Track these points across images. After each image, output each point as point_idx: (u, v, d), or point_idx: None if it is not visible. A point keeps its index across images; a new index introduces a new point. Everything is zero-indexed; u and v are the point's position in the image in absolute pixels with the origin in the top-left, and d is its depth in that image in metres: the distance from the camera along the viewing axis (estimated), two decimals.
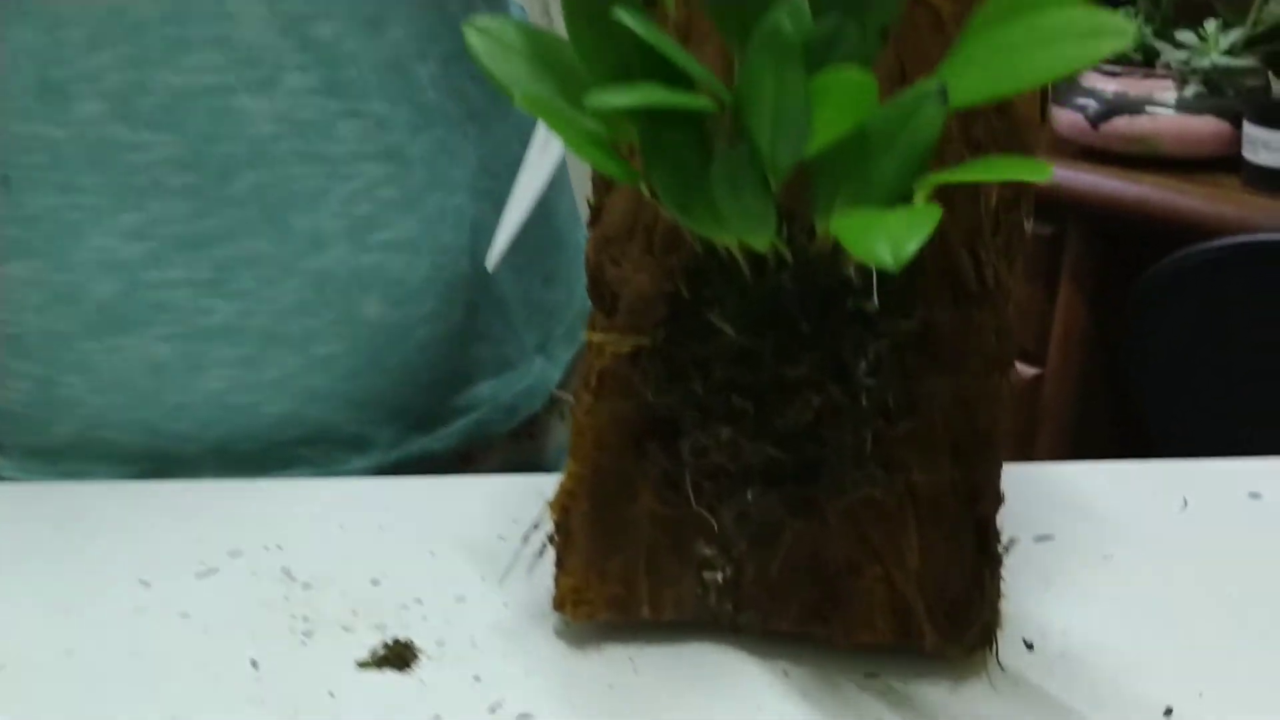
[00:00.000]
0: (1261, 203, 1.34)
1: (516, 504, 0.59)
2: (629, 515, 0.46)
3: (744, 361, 0.43)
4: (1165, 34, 1.48)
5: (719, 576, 0.46)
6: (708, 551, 0.46)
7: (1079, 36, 0.35)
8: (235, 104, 0.61)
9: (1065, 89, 1.53)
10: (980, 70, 0.37)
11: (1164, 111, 1.44)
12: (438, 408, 0.71)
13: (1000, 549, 0.48)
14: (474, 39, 0.40)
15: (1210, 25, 1.44)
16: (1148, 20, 1.49)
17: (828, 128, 0.37)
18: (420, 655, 0.48)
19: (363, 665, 0.48)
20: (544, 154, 0.60)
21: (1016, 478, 0.58)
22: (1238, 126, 1.40)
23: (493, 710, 0.45)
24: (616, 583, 0.46)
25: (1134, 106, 1.45)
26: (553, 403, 0.79)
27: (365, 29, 0.63)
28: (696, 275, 0.43)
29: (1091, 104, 1.48)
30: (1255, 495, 0.64)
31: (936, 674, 0.47)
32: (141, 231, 0.61)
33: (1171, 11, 1.51)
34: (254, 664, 0.48)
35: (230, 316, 0.63)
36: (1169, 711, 0.46)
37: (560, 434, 0.80)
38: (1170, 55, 1.44)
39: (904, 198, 0.39)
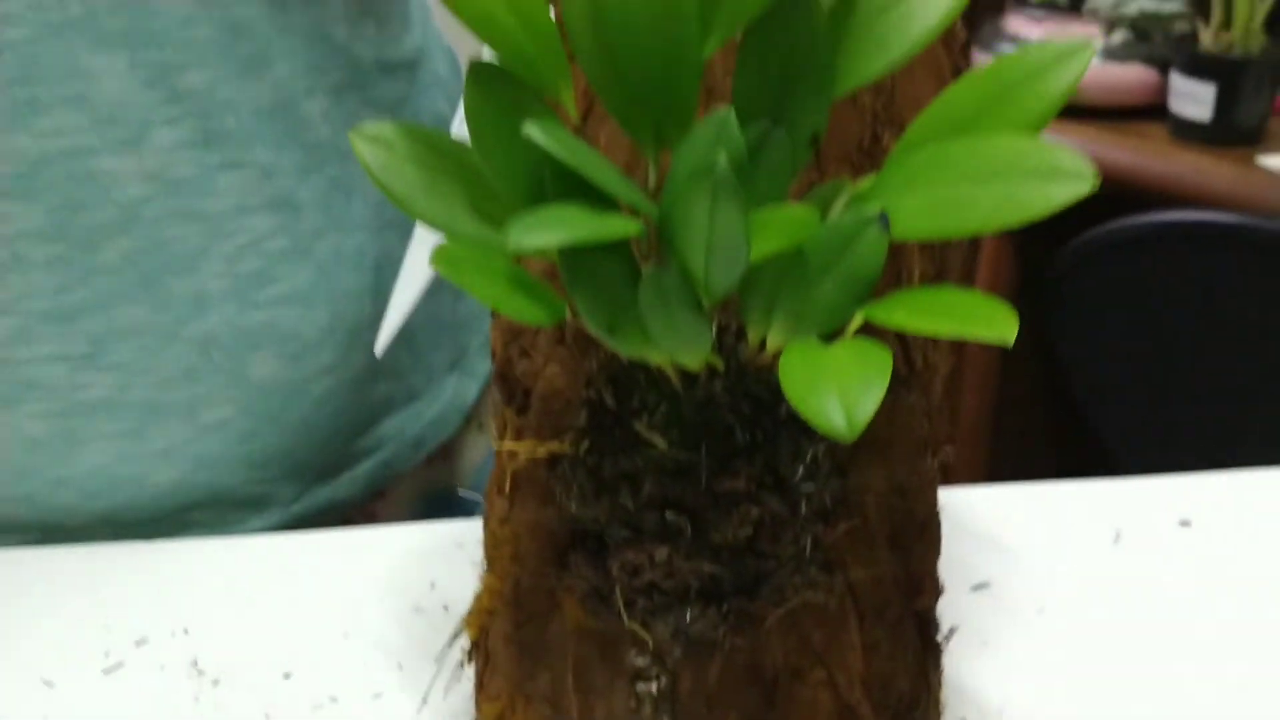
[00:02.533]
0: (1189, 157, 1.34)
1: (433, 561, 0.57)
2: (553, 631, 0.44)
3: (677, 475, 0.41)
4: None
5: (653, 688, 0.45)
6: (640, 662, 0.44)
7: (1032, 177, 0.33)
8: (99, 166, 0.57)
9: (990, 34, 1.51)
10: (923, 199, 0.35)
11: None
12: (341, 455, 0.68)
13: (941, 647, 0.47)
14: (364, 149, 0.37)
15: None
16: None
17: (763, 249, 0.35)
18: None
19: None
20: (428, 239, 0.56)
21: (949, 509, 0.57)
22: (1165, 75, 1.40)
23: None
24: (543, 703, 0.45)
25: None
26: (468, 421, 0.77)
27: (243, 73, 0.59)
28: (620, 382, 0.41)
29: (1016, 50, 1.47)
30: (1185, 523, 0.64)
31: None
32: (5, 308, 0.58)
33: None
34: None
35: (109, 390, 0.60)
36: None
37: (479, 449, 0.78)
38: (1097, 0, 1.42)
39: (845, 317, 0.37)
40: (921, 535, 0.46)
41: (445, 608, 0.53)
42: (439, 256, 0.34)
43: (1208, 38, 1.34)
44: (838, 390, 0.32)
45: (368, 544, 0.61)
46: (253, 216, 0.61)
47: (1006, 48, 1.48)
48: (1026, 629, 0.55)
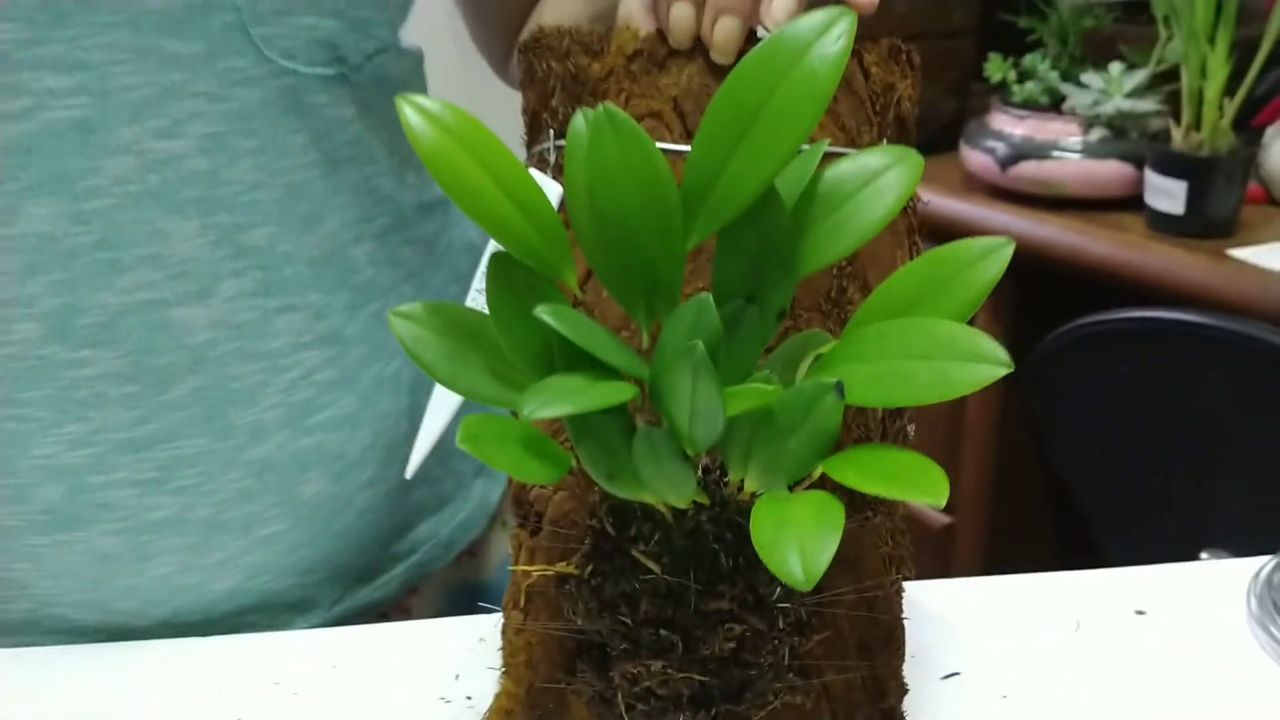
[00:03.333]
0: (1163, 249, 1.40)
1: (457, 655, 0.63)
2: None
3: (669, 597, 0.46)
4: (1072, 75, 1.53)
5: None
6: None
7: (961, 359, 0.39)
8: (172, 316, 0.63)
9: (976, 130, 1.58)
10: (871, 371, 0.41)
11: (1070, 156, 1.50)
12: (378, 560, 0.74)
13: None
14: (397, 325, 0.43)
15: (1115, 68, 1.49)
16: (1055, 63, 1.55)
17: (736, 409, 0.41)
18: None
19: None
20: None
21: (925, 598, 0.63)
22: (1142, 169, 1.46)
23: None
24: None
25: (1041, 151, 1.51)
26: (493, 520, 0.82)
27: (300, 228, 0.66)
28: (619, 514, 0.47)
29: (1000, 147, 1.53)
30: (1140, 612, 0.69)
31: None
32: (85, 440, 0.64)
33: (1079, 52, 1.57)
34: None
35: (174, 510, 0.66)
36: None
37: (503, 545, 0.84)
38: (1076, 99, 1.49)
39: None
40: (887, 643, 0.52)
41: (468, 698, 0.58)
42: (464, 434, 0.39)
43: (1179, 137, 1.40)
44: (797, 544, 0.38)
45: (399, 639, 0.67)
46: (305, 352, 0.67)
47: (992, 144, 1.54)
48: (993, 715, 0.61)
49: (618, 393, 0.41)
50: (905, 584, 0.55)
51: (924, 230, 1.64)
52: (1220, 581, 0.70)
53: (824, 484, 0.43)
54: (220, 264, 0.63)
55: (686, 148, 0.52)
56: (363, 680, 0.62)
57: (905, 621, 0.53)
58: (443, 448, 0.75)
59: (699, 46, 0.57)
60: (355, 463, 0.69)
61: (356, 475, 0.70)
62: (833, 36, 0.42)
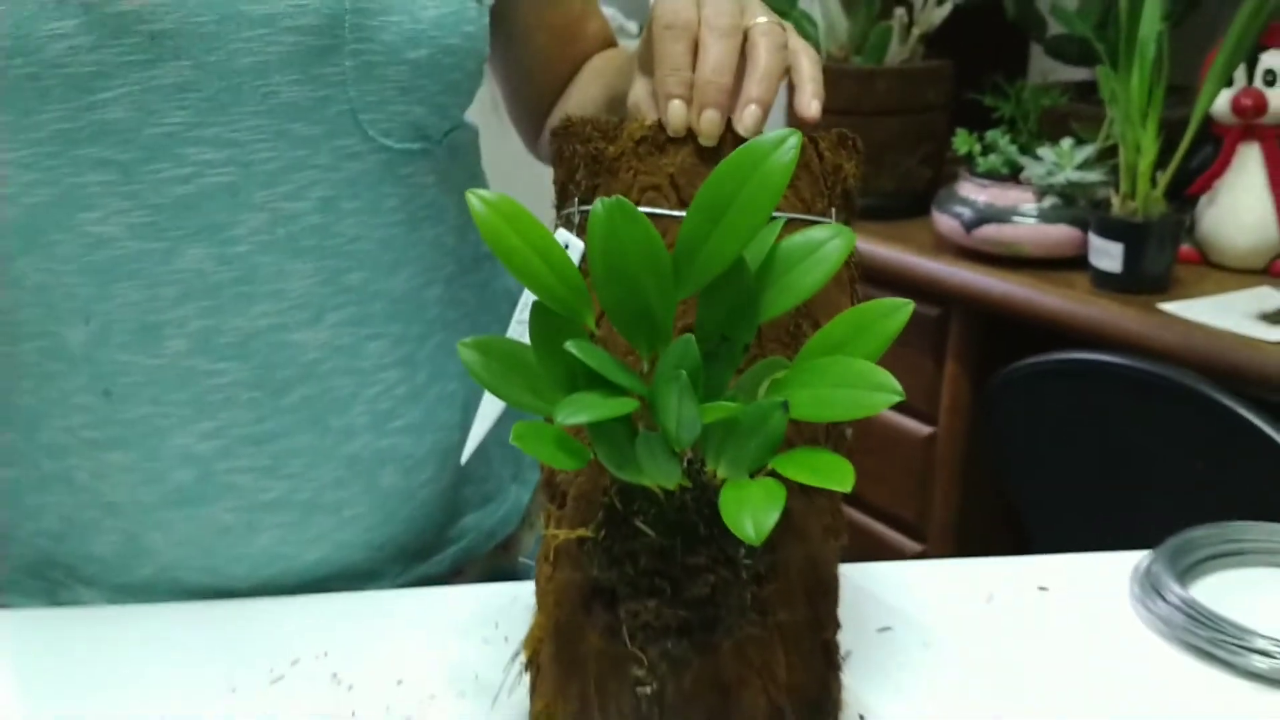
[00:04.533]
0: (1103, 302, 1.53)
1: (498, 610, 0.77)
2: (581, 653, 0.64)
3: (661, 555, 0.61)
4: (1029, 149, 1.68)
5: (648, 691, 0.64)
6: (639, 674, 0.64)
7: (869, 389, 0.53)
8: (289, 339, 0.78)
9: (945, 197, 1.72)
10: (808, 395, 0.55)
11: (1026, 220, 1.63)
12: (434, 542, 0.89)
13: (840, 661, 0.67)
14: (465, 354, 0.58)
15: (1066, 144, 1.64)
16: (1015, 138, 1.69)
17: (710, 418, 0.56)
18: None
19: None
20: None
21: (869, 577, 0.76)
22: (1087, 231, 1.60)
23: None
24: (575, 700, 0.64)
25: (1001, 215, 1.65)
26: (523, 520, 0.97)
27: (387, 273, 0.81)
28: (624, 492, 0.61)
29: (966, 212, 1.67)
30: (1043, 589, 0.83)
31: None
32: (214, 433, 0.79)
33: (1036, 128, 1.71)
34: None
35: (281, 493, 0.80)
36: None
37: (528, 544, 0.98)
38: (1032, 170, 1.63)
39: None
40: (827, 592, 0.66)
41: (505, 638, 0.72)
42: (516, 434, 0.54)
43: (1117, 204, 1.54)
44: (751, 514, 0.52)
45: (453, 598, 0.81)
46: (386, 371, 0.82)
47: (959, 209, 1.68)
48: (915, 656, 0.74)
49: (624, 406, 0.55)
50: (856, 565, 0.69)
51: (899, 284, 1.83)
52: (1110, 567, 0.83)
53: (774, 474, 0.58)
54: (327, 299, 0.79)
55: (680, 213, 0.66)
56: (422, 629, 0.77)
57: (840, 577, 0.67)
58: (488, 456, 0.90)
59: (690, 135, 0.70)
60: (420, 462, 0.84)
61: (420, 473, 0.84)
62: (785, 148, 0.57)
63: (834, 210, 0.71)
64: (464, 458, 0.75)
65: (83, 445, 0.80)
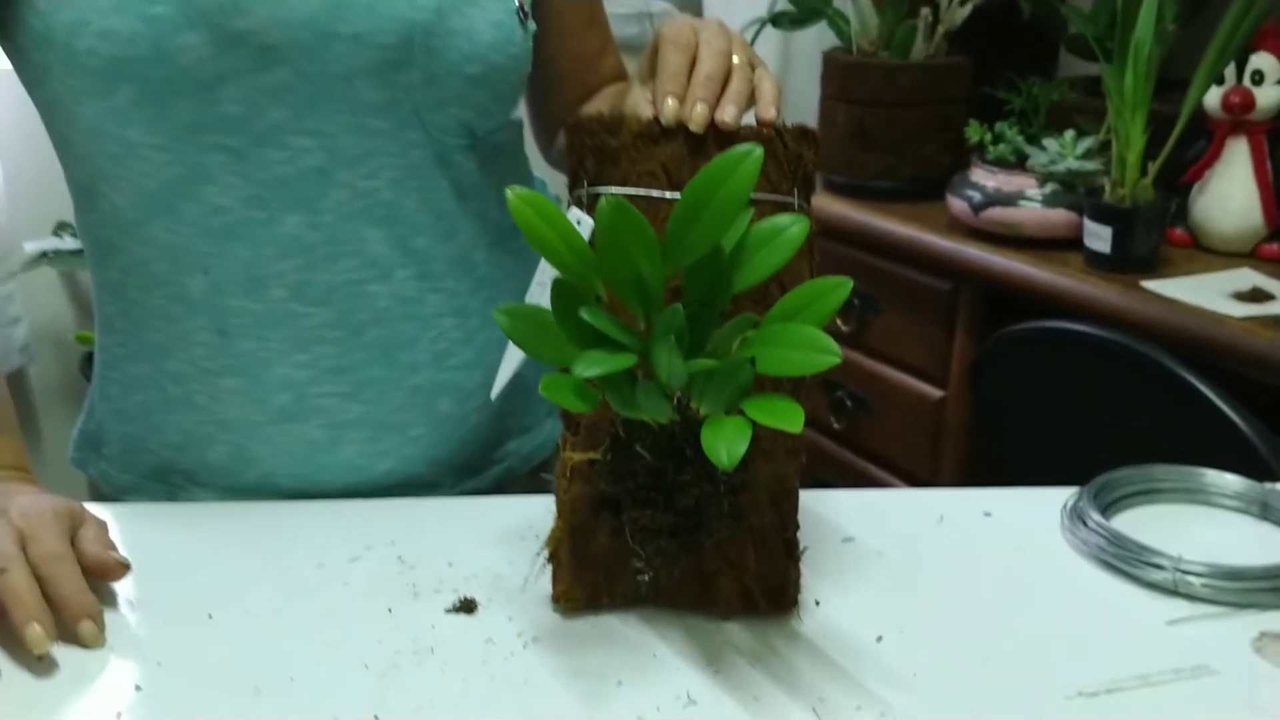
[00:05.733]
0: (1094, 279, 1.64)
1: (531, 517, 0.91)
2: (593, 550, 0.79)
3: (656, 473, 0.75)
4: (1036, 139, 1.78)
5: (645, 578, 0.79)
6: (639, 565, 0.78)
7: (816, 350, 0.67)
8: (365, 289, 0.93)
9: (958, 182, 1.83)
10: (770, 353, 0.68)
11: (1029, 204, 1.74)
12: (482, 461, 1.04)
13: (799, 555, 0.80)
14: (499, 317, 0.71)
15: (1068, 135, 1.74)
16: (1023, 129, 1.80)
17: (695, 369, 0.69)
18: (479, 607, 0.81)
19: (448, 611, 0.81)
20: None
21: (840, 500, 0.89)
22: (1083, 216, 1.71)
23: (519, 635, 0.78)
24: (588, 586, 0.79)
25: (1007, 199, 1.75)
26: (557, 448, 1.11)
27: (443, 238, 0.96)
28: (626, 425, 0.75)
29: (975, 195, 1.78)
30: (988, 514, 0.96)
31: (768, 624, 0.79)
32: (307, 365, 0.94)
33: (1044, 120, 1.82)
34: (389, 611, 0.81)
35: (360, 414, 0.96)
36: (880, 638, 0.78)
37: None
38: (1036, 159, 1.74)
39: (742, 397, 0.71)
40: (789, 499, 0.79)
41: (536, 536, 0.86)
42: (544, 386, 0.68)
43: (1108, 191, 1.65)
44: (724, 444, 0.66)
45: (496, 505, 0.96)
46: (444, 319, 0.97)
47: (969, 192, 1.79)
48: (870, 561, 0.87)
49: (627, 360, 0.69)
50: (830, 490, 0.82)
51: (916, 260, 1.98)
52: (1048, 498, 0.96)
53: (743, 413, 0.71)
54: (395, 259, 0.94)
55: (671, 195, 0.80)
56: (470, 528, 0.91)
57: (809, 494, 0.80)
58: (528, 391, 1.04)
59: (679, 130, 0.82)
60: (471, 394, 0.99)
61: (472, 402, 1.00)
62: (751, 159, 0.70)
63: (796, 190, 0.82)
64: (494, 394, 0.90)
65: (201, 373, 0.95)
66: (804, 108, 2.16)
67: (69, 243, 2.09)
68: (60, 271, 2.28)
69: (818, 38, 2.14)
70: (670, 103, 0.82)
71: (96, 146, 0.90)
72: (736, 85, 0.83)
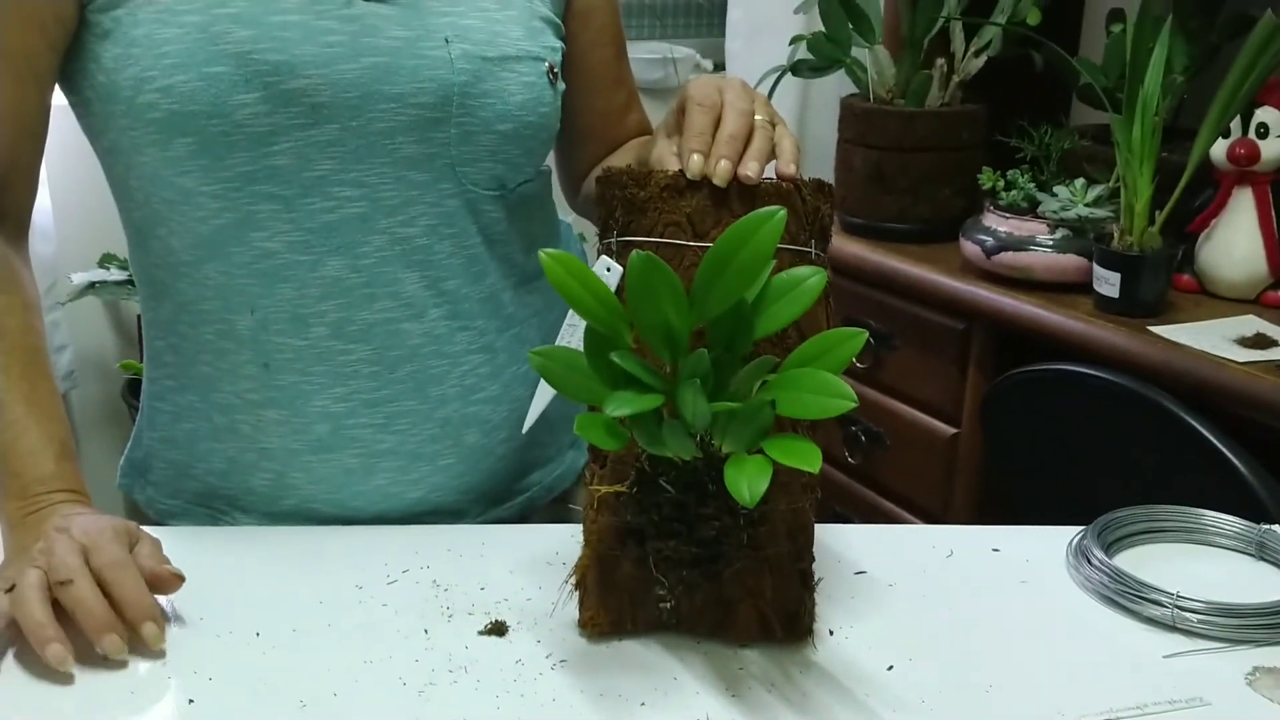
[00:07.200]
0: (1102, 323, 1.67)
1: (557, 544, 0.95)
2: (618, 578, 0.82)
3: (679, 506, 0.79)
4: (1048, 186, 1.81)
5: (668, 605, 0.82)
6: (661, 593, 0.82)
7: (832, 395, 0.70)
8: (401, 328, 0.98)
9: (971, 225, 1.86)
10: (789, 397, 0.72)
11: (1040, 249, 1.77)
12: (507, 490, 1.08)
13: (814, 585, 0.83)
14: (534, 358, 0.75)
15: (1079, 183, 1.77)
16: (1035, 175, 1.83)
17: (718, 410, 0.73)
18: (510, 630, 0.84)
19: (481, 633, 0.84)
20: None
21: (855, 535, 0.92)
22: (1092, 261, 1.73)
23: (548, 657, 0.81)
24: (612, 612, 0.83)
25: (1019, 244, 1.78)
26: (579, 479, 1.15)
27: (473, 280, 1.00)
28: (651, 460, 0.79)
29: (988, 239, 1.81)
30: (996, 550, 0.99)
31: (784, 652, 0.83)
32: (344, 398, 0.98)
33: (1056, 168, 1.85)
34: (425, 632, 0.84)
35: (392, 445, 1.00)
36: (890, 667, 0.81)
37: (579, 500, 1.16)
38: (1048, 206, 1.77)
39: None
40: (804, 532, 0.82)
41: (563, 563, 0.90)
42: (579, 424, 0.72)
43: (1117, 238, 1.68)
44: (746, 483, 0.70)
45: (524, 533, 1.00)
46: (473, 355, 1.01)
47: (982, 236, 1.82)
48: (882, 593, 0.90)
49: (654, 401, 0.73)
50: (845, 525, 0.85)
51: (930, 299, 2.01)
52: (1052, 538, 0.99)
53: (763, 451, 0.75)
54: (429, 300, 0.98)
55: (695, 244, 0.83)
56: (500, 555, 0.95)
57: (824, 529, 0.83)
58: (552, 423, 1.08)
59: (702, 183, 0.85)
60: (498, 426, 1.03)
61: (498, 434, 1.04)
62: (774, 220, 0.74)
63: (814, 241, 0.86)
64: (525, 428, 0.94)
65: (246, 405, 1.00)
66: (822, 150, 2.20)
67: (115, 274, 2.15)
68: (104, 301, 2.33)
69: (836, 82, 2.19)
70: (696, 158, 0.86)
71: (154, 192, 0.95)
72: (758, 143, 0.87)
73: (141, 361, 2.14)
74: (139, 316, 2.24)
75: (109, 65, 0.91)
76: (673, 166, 0.88)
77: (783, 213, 0.74)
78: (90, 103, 0.95)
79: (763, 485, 0.70)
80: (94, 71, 0.93)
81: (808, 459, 0.71)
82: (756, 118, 0.88)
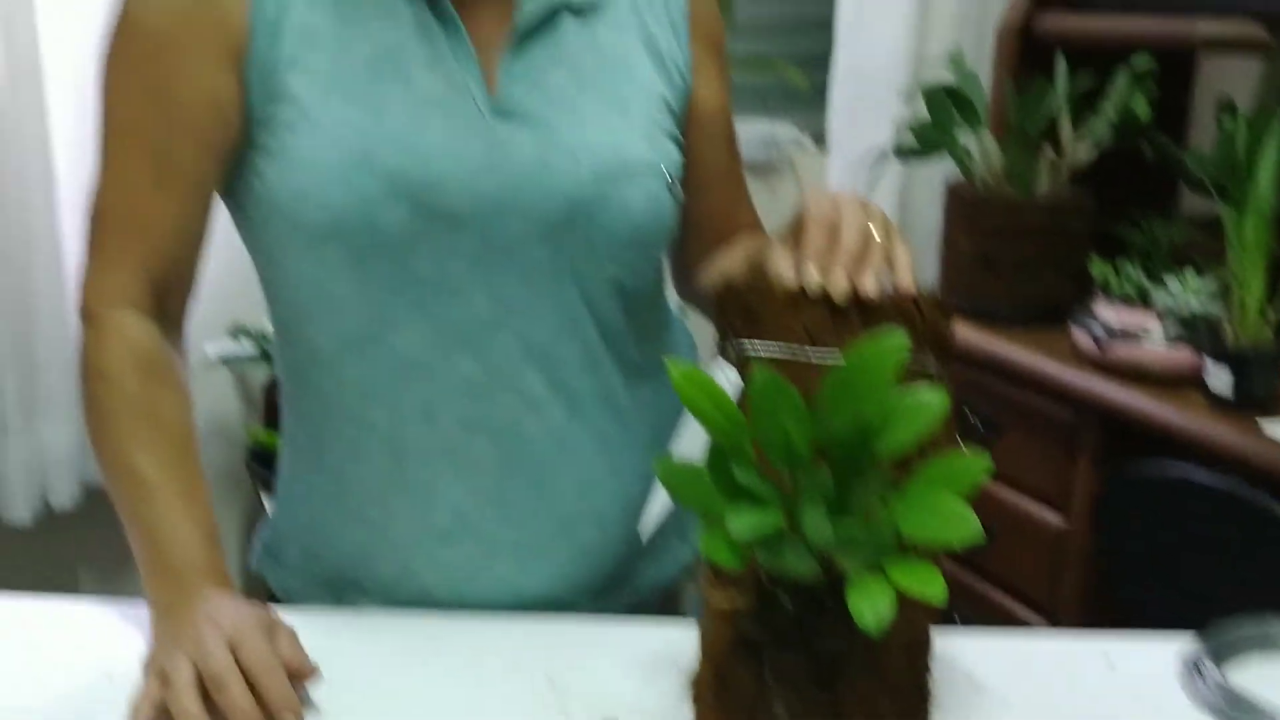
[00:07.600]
0: (1213, 419, 1.65)
1: (669, 641, 0.96)
2: (733, 690, 0.83)
3: (797, 621, 0.80)
4: (1157, 275, 1.80)
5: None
6: (778, 710, 0.83)
7: (958, 523, 0.72)
8: (523, 423, 1.02)
9: (1081, 313, 1.85)
10: (916, 519, 0.73)
11: (1151, 341, 1.75)
12: (616, 584, 1.10)
13: (930, 702, 0.84)
14: (661, 471, 0.78)
15: (1190, 275, 1.76)
16: (1146, 265, 1.82)
17: (840, 532, 0.75)
18: None
19: None
20: None
21: (966, 644, 0.93)
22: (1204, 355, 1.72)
23: None
24: None
25: (1129, 335, 1.77)
26: (687, 573, 1.17)
27: (592, 376, 1.04)
28: (771, 574, 0.80)
29: (1098, 329, 1.80)
30: (1111, 666, 0.98)
31: None
32: (470, 491, 1.03)
33: (1165, 259, 1.84)
34: None
35: (513, 538, 1.04)
36: None
37: (691, 595, 1.18)
38: (1159, 298, 1.76)
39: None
40: (923, 650, 0.83)
41: (674, 664, 0.91)
42: (702, 545, 0.74)
43: (1228, 332, 1.67)
44: (870, 610, 0.71)
45: (635, 629, 1.01)
46: (589, 451, 1.04)
47: (1093, 325, 1.81)
48: (998, 709, 0.90)
49: (776, 523, 0.75)
50: (957, 631, 0.86)
51: (1039, 386, 1.99)
52: (1165, 649, 0.98)
53: (883, 570, 0.76)
54: (549, 396, 1.02)
55: (813, 356, 0.85)
56: (613, 651, 0.96)
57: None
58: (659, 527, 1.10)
59: (821, 298, 0.88)
60: (614, 520, 1.06)
61: (614, 528, 1.06)
62: (897, 347, 0.76)
63: (933, 358, 0.87)
64: (644, 537, 0.96)
65: (376, 494, 1.04)
66: (924, 232, 2.21)
67: (246, 347, 2.20)
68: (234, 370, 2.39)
69: (938, 167, 2.19)
70: (814, 274, 0.88)
71: (302, 293, 1.00)
72: (875, 259, 0.89)
73: (265, 428, 2.21)
74: (264, 385, 2.33)
75: (272, 181, 0.98)
76: (790, 278, 0.90)
77: (904, 341, 0.76)
78: (246, 209, 1.01)
79: (888, 613, 0.71)
80: (256, 186, 0.99)
81: (932, 586, 0.72)
82: (873, 232, 0.90)
